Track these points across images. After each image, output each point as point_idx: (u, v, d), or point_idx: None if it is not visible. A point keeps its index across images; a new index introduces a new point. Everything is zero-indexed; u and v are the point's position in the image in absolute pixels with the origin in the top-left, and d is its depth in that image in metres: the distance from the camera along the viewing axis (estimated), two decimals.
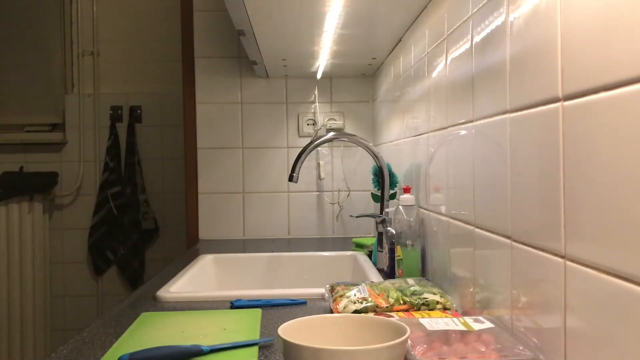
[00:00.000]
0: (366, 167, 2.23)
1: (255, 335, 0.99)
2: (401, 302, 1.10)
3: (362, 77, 2.38)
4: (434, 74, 1.30)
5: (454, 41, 1.13)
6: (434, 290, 1.14)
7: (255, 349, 0.92)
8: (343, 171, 2.38)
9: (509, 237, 0.85)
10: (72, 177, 3.11)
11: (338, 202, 2.38)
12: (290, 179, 1.71)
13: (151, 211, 3.13)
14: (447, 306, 1.09)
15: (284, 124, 2.38)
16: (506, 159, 0.86)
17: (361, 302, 1.09)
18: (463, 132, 1.08)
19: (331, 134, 1.89)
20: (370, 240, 1.92)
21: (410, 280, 1.23)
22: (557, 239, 0.69)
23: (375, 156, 1.75)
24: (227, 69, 2.36)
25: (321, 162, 2.38)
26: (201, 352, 0.88)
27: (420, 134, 1.45)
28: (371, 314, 1.05)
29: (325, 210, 2.39)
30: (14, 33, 3.09)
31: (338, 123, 2.38)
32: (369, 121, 2.40)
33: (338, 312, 1.08)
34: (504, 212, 0.86)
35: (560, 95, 0.68)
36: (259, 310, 1.16)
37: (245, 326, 1.05)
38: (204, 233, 2.37)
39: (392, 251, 1.48)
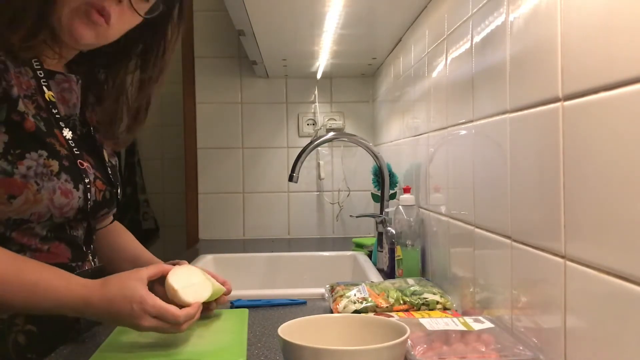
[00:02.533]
0: (366, 167, 2.23)
1: (242, 334, 0.99)
2: (401, 302, 1.10)
3: (362, 77, 2.37)
4: (434, 74, 1.30)
5: (454, 41, 1.13)
6: (434, 290, 1.14)
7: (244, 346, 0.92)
8: (343, 171, 2.38)
9: (509, 237, 0.85)
10: None
11: (338, 202, 2.38)
12: (290, 179, 1.71)
13: (151, 211, 3.13)
14: (447, 306, 1.09)
15: (284, 124, 2.38)
16: (506, 159, 0.86)
17: (361, 302, 1.09)
18: (463, 132, 1.08)
19: (331, 134, 1.89)
20: (370, 240, 1.92)
21: (410, 280, 1.23)
22: (557, 239, 0.69)
23: (375, 156, 1.75)
24: (227, 69, 2.36)
25: (321, 162, 2.38)
26: None
27: (420, 134, 1.45)
28: (371, 314, 1.05)
29: (325, 210, 2.39)
30: None
31: (338, 123, 2.38)
32: (369, 121, 2.40)
33: (338, 312, 1.08)
34: (504, 212, 0.86)
35: (560, 95, 0.68)
36: (245, 310, 1.16)
37: (230, 324, 1.05)
38: (204, 233, 2.37)
39: (392, 251, 1.48)
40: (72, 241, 0.98)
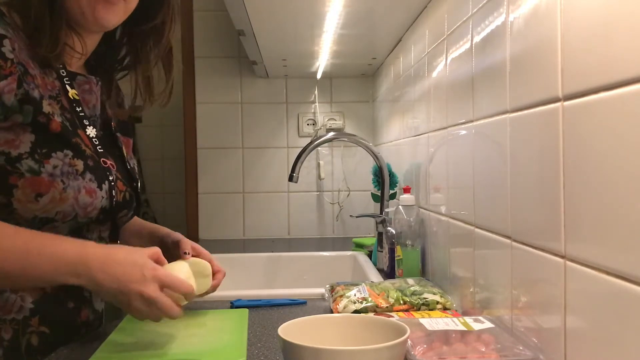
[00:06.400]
0: (366, 167, 2.23)
1: (242, 334, 0.99)
2: (401, 302, 1.10)
3: (362, 77, 2.37)
4: (434, 74, 1.30)
5: (454, 41, 1.13)
6: (434, 290, 1.14)
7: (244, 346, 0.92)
8: (343, 171, 2.38)
9: (509, 237, 0.85)
10: None
11: (338, 202, 2.38)
12: (290, 179, 1.71)
13: (151, 211, 3.13)
14: (447, 306, 1.09)
15: (284, 124, 2.38)
16: (506, 159, 0.86)
17: (361, 302, 1.09)
18: (463, 132, 1.08)
19: (331, 134, 1.89)
20: (370, 240, 1.92)
21: (410, 280, 1.23)
22: (557, 239, 0.69)
23: (375, 156, 1.75)
24: (227, 69, 2.36)
25: (321, 162, 2.38)
26: None
27: (420, 134, 1.45)
28: (371, 314, 1.05)
29: (325, 210, 2.39)
30: None
31: (338, 123, 2.38)
32: (369, 121, 2.40)
33: (338, 312, 1.08)
34: (504, 212, 0.86)
35: (560, 95, 0.68)
36: (245, 310, 1.16)
37: (230, 324, 1.05)
38: (204, 233, 2.37)
39: (392, 251, 1.48)
40: None
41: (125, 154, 1.08)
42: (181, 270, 0.96)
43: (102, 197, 0.94)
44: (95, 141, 0.98)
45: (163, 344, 0.94)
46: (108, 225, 1.02)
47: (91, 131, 0.98)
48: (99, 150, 0.97)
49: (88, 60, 1.05)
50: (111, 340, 0.96)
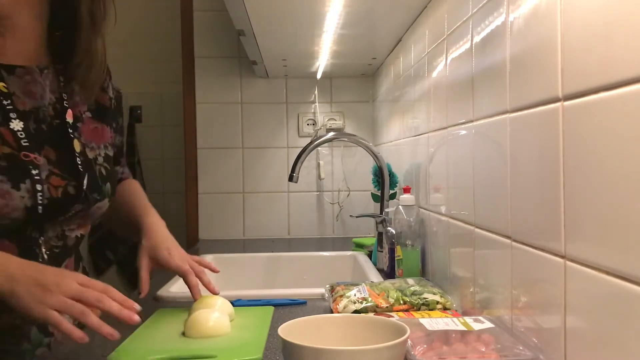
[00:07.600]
0: (366, 167, 2.23)
1: (263, 331, 1.00)
2: (401, 302, 1.10)
3: (362, 77, 2.37)
4: (434, 74, 1.30)
5: (454, 41, 1.13)
6: (434, 290, 1.14)
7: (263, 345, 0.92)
8: (343, 171, 2.38)
9: (509, 237, 0.85)
10: None
11: (338, 202, 2.38)
12: (290, 179, 1.71)
13: None
14: (447, 306, 1.09)
15: (284, 124, 2.38)
16: (506, 159, 0.86)
17: (361, 302, 1.09)
18: (463, 132, 1.08)
19: (331, 134, 1.89)
20: (370, 240, 1.92)
21: (410, 280, 1.23)
22: (557, 239, 0.69)
23: (375, 156, 1.75)
24: (227, 69, 2.36)
25: (321, 162, 2.38)
26: None
27: (420, 134, 1.45)
28: (371, 314, 1.05)
29: (325, 210, 2.39)
30: None
31: (338, 123, 2.38)
32: (369, 121, 2.40)
33: (338, 312, 1.08)
34: (504, 212, 0.86)
35: (560, 95, 0.68)
36: (271, 308, 1.16)
37: (253, 322, 1.06)
38: (204, 233, 2.37)
39: (392, 251, 1.48)
40: (23, 240, 0.92)
41: (76, 146, 0.98)
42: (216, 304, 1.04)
43: (22, 197, 0.87)
44: (21, 134, 0.90)
45: (185, 338, 0.95)
46: (77, 222, 0.98)
47: (16, 124, 0.90)
48: (23, 144, 0.90)
49: (51, 44, 1.00)
50: (135, 336, 0.97)
